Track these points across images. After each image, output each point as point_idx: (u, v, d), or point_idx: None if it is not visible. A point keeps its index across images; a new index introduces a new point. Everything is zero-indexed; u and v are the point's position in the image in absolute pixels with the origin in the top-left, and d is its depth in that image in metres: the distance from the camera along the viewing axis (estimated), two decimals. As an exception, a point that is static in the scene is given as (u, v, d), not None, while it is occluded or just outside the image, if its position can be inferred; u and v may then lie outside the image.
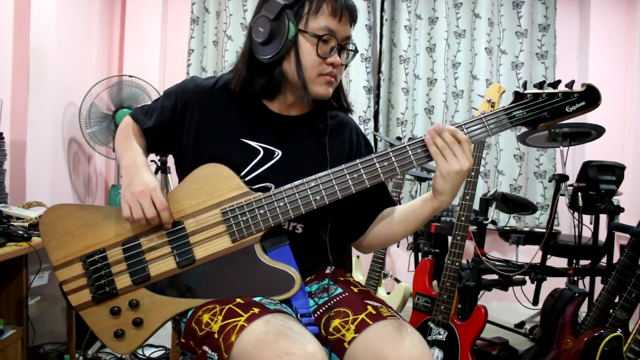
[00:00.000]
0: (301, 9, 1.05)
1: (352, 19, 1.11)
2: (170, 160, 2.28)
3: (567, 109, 1.01)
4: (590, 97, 1.01)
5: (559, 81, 1.03)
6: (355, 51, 1.14)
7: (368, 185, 1.04)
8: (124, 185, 1.09)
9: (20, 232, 1.72)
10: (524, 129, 2.43)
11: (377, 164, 1.03)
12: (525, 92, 1.02)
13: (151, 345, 2.36)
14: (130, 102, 2.75)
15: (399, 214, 1.17)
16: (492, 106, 1.69)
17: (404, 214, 1.16)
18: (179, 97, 1.16)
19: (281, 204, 1.04)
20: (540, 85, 1.03)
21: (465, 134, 1.02)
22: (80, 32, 2.88)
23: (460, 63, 3.40)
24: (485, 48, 3.35)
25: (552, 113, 1.01)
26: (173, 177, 2.53)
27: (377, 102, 3.40)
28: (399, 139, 2.95)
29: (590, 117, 2.19)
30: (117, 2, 3.33)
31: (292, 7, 1.05)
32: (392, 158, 1.03)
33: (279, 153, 1.13)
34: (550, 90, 1.02)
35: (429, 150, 1.02)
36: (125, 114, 2.56)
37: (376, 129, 3.39)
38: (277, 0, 1.04)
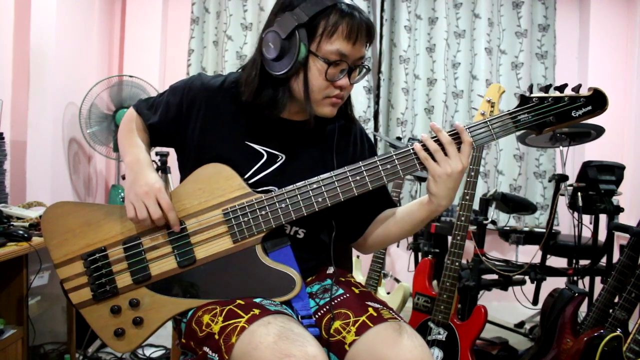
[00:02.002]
0: (316, 29, 1.01)
1: (369, 39, 1.06)
2: (170, 160, 2.29)
3: (573, 114, 1.00)
4: (597, 101, 0.99)
5: (566, 85, 1.01)
6: (368, 70, 1.12)
7: (370, 188, 1.03)
8: (128, 184, 1.09)
9: (21, 232, 1.72)
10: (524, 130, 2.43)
11: (380, 166, 1.03)
12: (531, 95, 1.01)
13: (151, 345, 2.37)
14: (130, 102, 2.75)
15: (396, 216, 1.17)
16: (492, 106, 1.69)
17: (401, 215, 1.16)
18: (185, 95, 1.14)
19: (283, 205, 1.04)
20: (546, 89, 1.02)
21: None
22: (80, 32, 2.88)
23: (460, 63, 3.40)
24: (485, 48, 3.35)
25: (558, 117, 1.00)
26: (173, 176, 2.54)
27: (377, 102, 3.40)
28: (399, 139, 2.95)
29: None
30: (117, 3, 3.32)
31: (307, 26, 1.00)
32: (396, 161, 1.03)
33: (282, 157, 1.13)
34: (557, 94, 1.01)
35: (419, 156, 1.01)
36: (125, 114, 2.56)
37: (376, 129, 3.39)
38: (291, 16, 1.00)
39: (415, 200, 1.12)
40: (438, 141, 1.00)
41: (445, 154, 1.00)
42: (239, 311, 0.96)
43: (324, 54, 1.02)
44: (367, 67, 1.11)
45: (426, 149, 1.01)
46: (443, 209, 1.06)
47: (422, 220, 1.11)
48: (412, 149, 1.02)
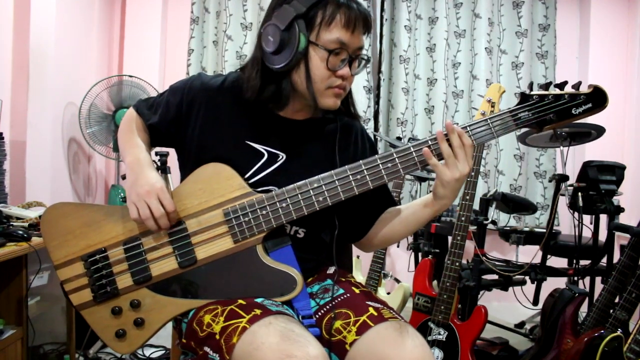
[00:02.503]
0: (314, 19, 1.02)
1: (367, 29, 1.07)
2: (170, 160, 2.28)
3: (573, 111, 1.00)
4: (597, 98, 0.99)
5: (566, 82, 1.02)
6: (368, 61, 1.12)
7: (371, 187, 1.03)
8: (129, 185, 1.08)
9: (20, 232, 1.72)
10: (524, 129, 2.43)
11: (380, 165, 1.03)
12: (531, 93, 1.01)
13: (151, 345, 2.36)
14: (130, 102, 2.75)
15: (400, 215, 1.17)
16: (492, 106, 1.68)
17: (405, 214, 1.17)
18: (185, 95, 1.14)
19: (283, 204, 1.04)
20: (546, 86, 1.02)
21: (470, 136, 1.02)
22: (80, 32, 2.88)
23: (460, 63, 3.40)
24: (485, 48, 3.35)
25: (558, 115, 1.00)
26: (173, 176, 2.53)
27: (377, 102, 3.39)
28: (399, 139, 2.95)
29: (591, 117, 2.19)
30: (117, 3, 3.32)
31: (305, 17, 1.01)
32: (396, 159, 1.03)
33: (283, 157, 1.12)
34: (557, 91, 1.01)
35: (429, 162, 1.02)
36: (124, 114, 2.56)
37: (376, 129, 3.39)
38: (289, 8, 1.01)
39: (419, 201, 1.13)
40: (450, 144, 1.01)
41: (455, 158, 1.01)
42: (240, 311, 0.95)
43: (323, 43, 1.03)
44: (366, 57, 1.11)
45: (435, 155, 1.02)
46: (446, 208, 1.08)
47: (426, 220, 1.14)
48: (419, 152, 1.02)
